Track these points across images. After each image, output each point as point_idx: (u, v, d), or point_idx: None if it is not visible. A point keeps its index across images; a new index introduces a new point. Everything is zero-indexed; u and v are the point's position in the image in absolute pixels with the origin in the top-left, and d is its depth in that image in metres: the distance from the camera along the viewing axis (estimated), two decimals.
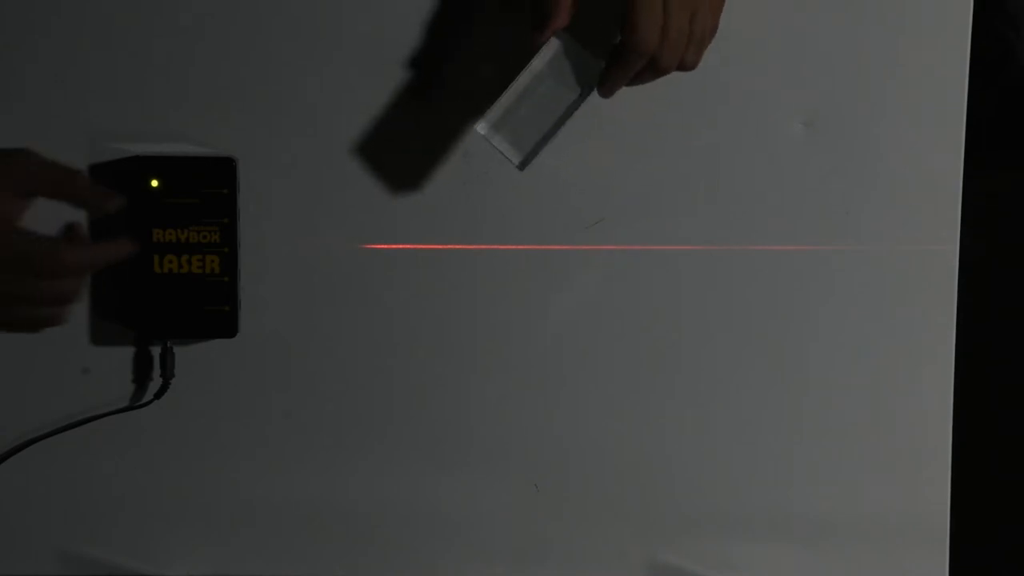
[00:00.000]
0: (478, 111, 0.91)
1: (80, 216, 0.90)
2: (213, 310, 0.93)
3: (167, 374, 0.94)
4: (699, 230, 0.98)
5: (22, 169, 0.81)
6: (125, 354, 0.95)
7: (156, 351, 0.95)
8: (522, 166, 0.87)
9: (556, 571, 1.00)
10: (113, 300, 0.94)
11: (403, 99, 0.95)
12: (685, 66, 0.83)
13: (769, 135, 0.97)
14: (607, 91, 0.84)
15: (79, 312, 0.94)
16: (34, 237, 0.81)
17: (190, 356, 0.95)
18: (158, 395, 0.95)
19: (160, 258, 0.92)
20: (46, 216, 0.85)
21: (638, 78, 0.83)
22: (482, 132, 0.86)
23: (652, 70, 0.82)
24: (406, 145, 0.95)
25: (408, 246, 0.96)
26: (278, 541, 0.98)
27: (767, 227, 0.98)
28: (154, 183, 0.92)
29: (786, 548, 1.01)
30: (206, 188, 0.92)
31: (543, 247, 0.97)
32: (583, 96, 0.86)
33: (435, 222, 0.96)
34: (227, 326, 0.94)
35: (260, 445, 0.97)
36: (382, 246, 0.95)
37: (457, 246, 0.96)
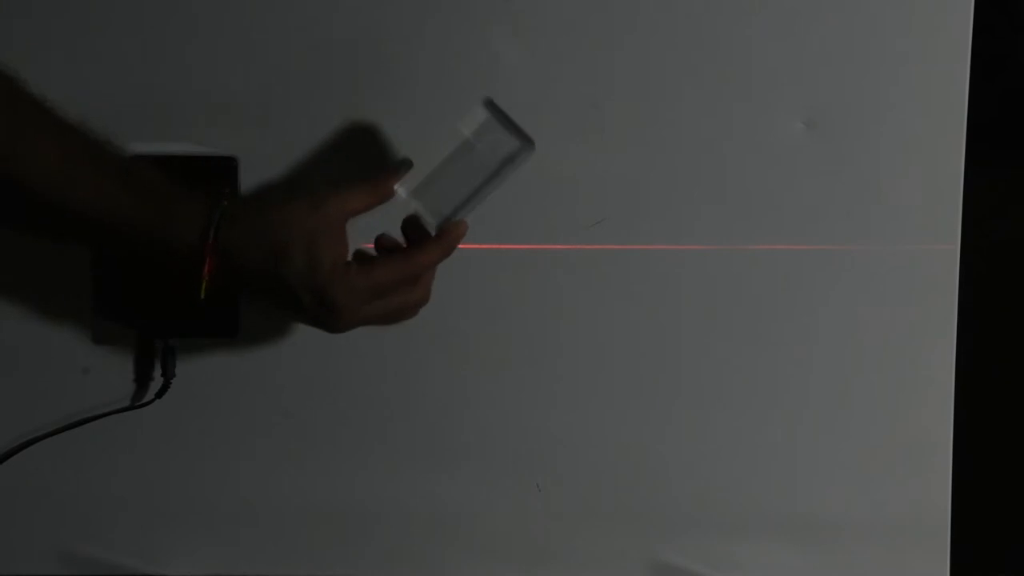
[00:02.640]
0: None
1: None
2: (214, 309, 0.93)
3: (168, 373, 0.94)
4: (699, 230, 0.98)
5: (341, 212, 0.83)
6: (125, 354, 0.95)
7: (157, 351, 0.95)
8: (437, 229, 0.86)
9: (556, 571, 1.00)
10: (114, 300, 0.94)
11: (403, 99, 0.94)
12: None
13: (769, 135, 0.97)
14: None
15: (79, 312, 0.94)
16: (386, 263, 0.84)
17: (191, 356, 0.95)
18: (159, 395, 0.95)
19: None
20: None
21: None
22: (403, 196, 0.86)
23: None
24: (406, 145, 0.95)
25: None
26: (278, 541, 0.98)
27: (767, 227, 0.98)
28: None
29: (786, 548, 1.01)
30: (207, 188, 0.92)
31: (543, 247, 0.97)
32: (499, 174, 0.86)
33: None
34: (228, 325, 0.94)
35: (260, 445, 0.97)
36: None
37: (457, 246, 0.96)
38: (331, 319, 0.83)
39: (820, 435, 1.00)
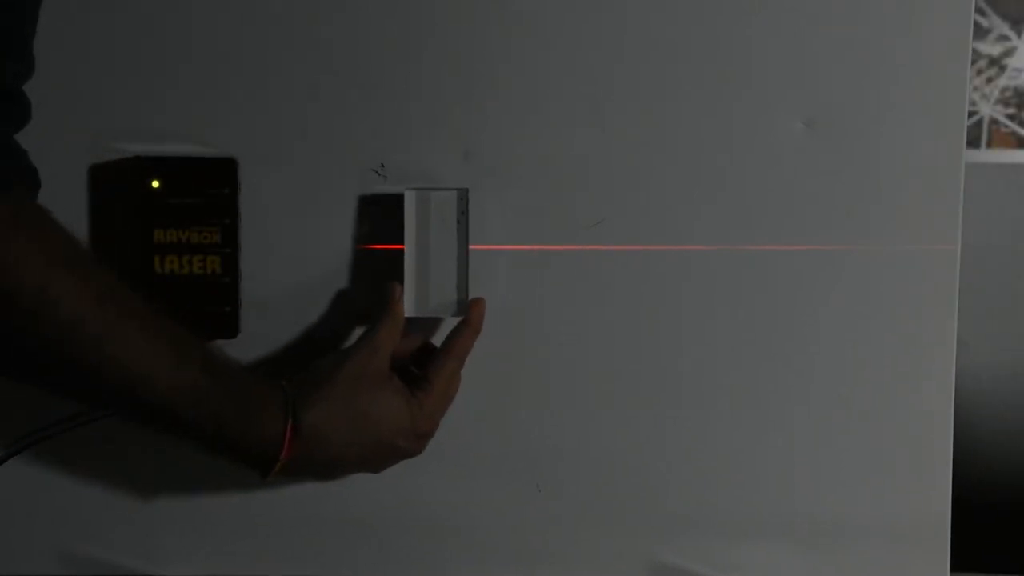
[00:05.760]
0: (478, 110, 0.92)
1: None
2: (214, 311, 0.93)
3: None
4: (699, 230, 0.98)
5: (387, 356, 0.90)
6: None
7: None
8: (460, 313, 0.93)
9: (556, 572, 1.00)
10: None
11: (402, 99, 0.95)
12: None
13: (769, 135, 0.97)
14: None
15: None
16: (438, 372, 0.92)
17: None
18: None
19: (161, 259, 0.92)
20: None
21: None
22: (411, 315, 0.92)
23: None
24: (406, 145, 0.95)
25: None
26: (278, 541, 0.98)
27: (767, 227, 0.98)
28: (155, 184, 0.92)
29: (786, 548, 1.01)
30: (207, 188, 0.93)
31: (543, 247, 0.97)
32: (462, 228, 0.92)
33: None
34: (228, 326, 0.94)
35: None
36: (382, 246, 0.95)
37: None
38: (423, 445, 0.92)
39: (820, 435, 1.00)
